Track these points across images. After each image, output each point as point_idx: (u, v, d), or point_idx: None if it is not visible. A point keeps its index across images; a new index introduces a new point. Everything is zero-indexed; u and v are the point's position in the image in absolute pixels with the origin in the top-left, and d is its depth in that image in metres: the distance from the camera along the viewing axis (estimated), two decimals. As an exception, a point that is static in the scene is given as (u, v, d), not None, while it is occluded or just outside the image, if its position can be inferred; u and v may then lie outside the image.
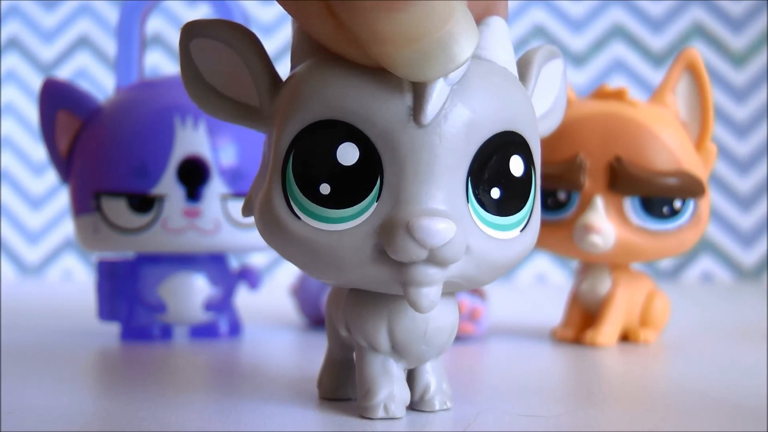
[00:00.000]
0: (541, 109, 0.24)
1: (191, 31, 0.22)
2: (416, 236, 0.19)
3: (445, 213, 0.19)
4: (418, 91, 0.19)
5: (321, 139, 0.20)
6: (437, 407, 0.23)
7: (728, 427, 0.22)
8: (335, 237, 0.20)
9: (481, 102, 0.20)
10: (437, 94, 0.19)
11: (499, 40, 0.22)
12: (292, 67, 0.22)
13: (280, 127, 0.21)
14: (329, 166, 0.20)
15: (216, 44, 0.22)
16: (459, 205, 0.20)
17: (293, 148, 0.20)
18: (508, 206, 0.21)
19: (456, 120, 0.19)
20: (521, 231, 0.21)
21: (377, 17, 0.18)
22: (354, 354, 0.24)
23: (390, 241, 0.19)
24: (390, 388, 0.22)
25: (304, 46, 0.22)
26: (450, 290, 0.22)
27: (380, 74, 0.19)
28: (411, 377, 0.23)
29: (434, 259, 0.19)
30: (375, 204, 0.20)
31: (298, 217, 0.20)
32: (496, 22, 0.22)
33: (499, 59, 0.21)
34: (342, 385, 0.25)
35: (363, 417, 0.22)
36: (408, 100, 0.19)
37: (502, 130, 0.20)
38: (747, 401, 0.25)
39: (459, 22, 0.18)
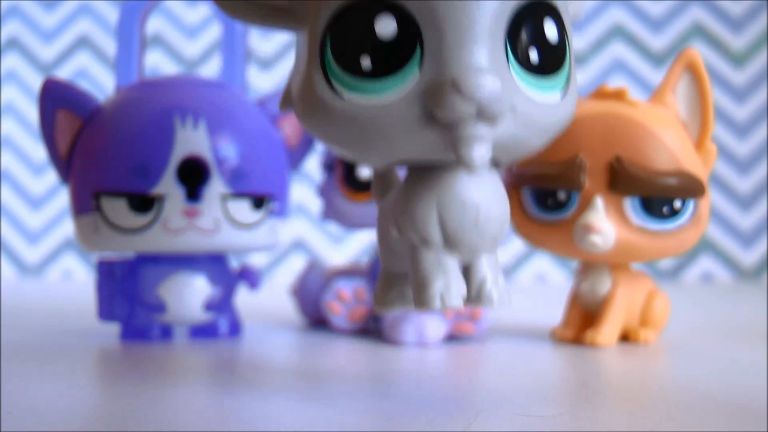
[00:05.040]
0: None
1: None
2: (463, 90, 0.19)
3: (489, 69, 0.20)
4: None
5: (358, 15, 0.20)
6: (495, 301, 0.22)
7: (728, 427, 0.22)
8: (381, 110, 0.20)
9: None
10: None
11: None
12: None
13: (315, 12, 0.21)
14: (369, 40, 0.20)
15: None
16: (501, 65, 0.20)
17: (331, 29, 0.20)
18: (547, 67, 0.21)
19: None
20: (562, 97, 0.22)
21: None
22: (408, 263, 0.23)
23: (438, 99, 0.19)
24: (445, 278, 0.22)
25: None
26: (502, 155, 0.22)
27: None
28: (466, 274, 0.23)
29: (482, 114, 0.19)
30: (417, 70, 0.20)
31: (341, 97, 0.20)
32: None
33: None
34: (397, 296, 0.25)
35: (421, 308, 0.22)
36: None
37: None
38: (747, 401, 0.25)
39: None
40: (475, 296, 0.22)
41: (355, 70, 0.20)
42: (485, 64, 0.20)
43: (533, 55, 0.21)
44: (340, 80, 0.20)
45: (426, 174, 0.22)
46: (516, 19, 0.21)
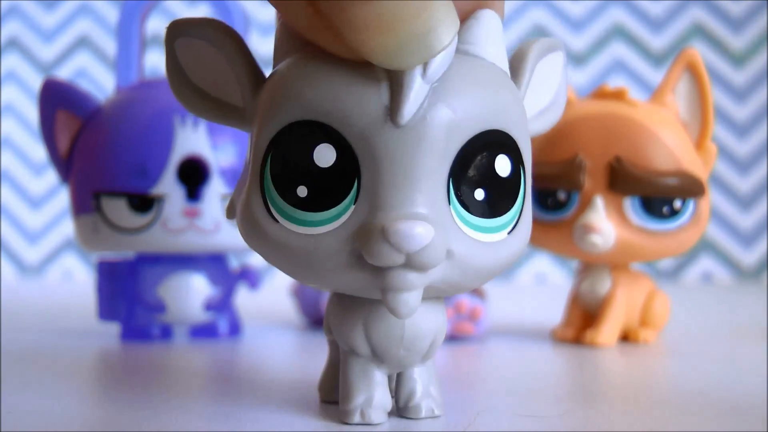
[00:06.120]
0: (538, 105, 0.23)
1: (176, 31, 0.22)
2: (392, 241, 0.18)
3: (424, 216, 0.19)
4: (395, 91, 0.19)
5: (298, 140, 0.19)
6: (423, 414, 0.22)
7: (728, 427, 0.22)
8: (312, 241, 0.19)
9: (462, 101, 0.19)
10: (415, 94, 0.18)
11: (489, 34, 0.21)
12: (274, 65, 0.22)
13: (259, 128, 0.20)
14: (306, 168, 0.19)
15: (201, 44, 0.21)
16: (439, 208, 0.19)
17: (271, 150, 0.20)
18: (493, 208, 0.20)
19: (435, 120, 0.19)
20: (509, 234, 0.20)
21: (354, 4, 0.17)
22: None
23: (366, 245, 0.19)
24: (368, 393, 0.21)
25: (285, 43, 0.21)
26: (434, 295, 0.21)
27: (358, 74, 0.19)
28: (398, 383, 0.23)
29: (412, 264, 0.18)
30: (352, 207, 0.19)
31: (276, 220, 0.20)
32: (486, 15, 0.21)
33: (488, 54, 0.21)
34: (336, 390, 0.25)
35: (342, 422, 0.22)
36: (385, 99, 0.19)
37: (487, 129, 0.19)
38: (747, 401, 0.25)
39: (438, 10, 0.18)
40: (402, 408, 0.22)
41: (291, 199, 0.19)
42: (420, 212, 0.19)
43: (479, 196, 0.20)
44: (277, 206, 0.20)
45: None
46: (463, 156, 0.19)
